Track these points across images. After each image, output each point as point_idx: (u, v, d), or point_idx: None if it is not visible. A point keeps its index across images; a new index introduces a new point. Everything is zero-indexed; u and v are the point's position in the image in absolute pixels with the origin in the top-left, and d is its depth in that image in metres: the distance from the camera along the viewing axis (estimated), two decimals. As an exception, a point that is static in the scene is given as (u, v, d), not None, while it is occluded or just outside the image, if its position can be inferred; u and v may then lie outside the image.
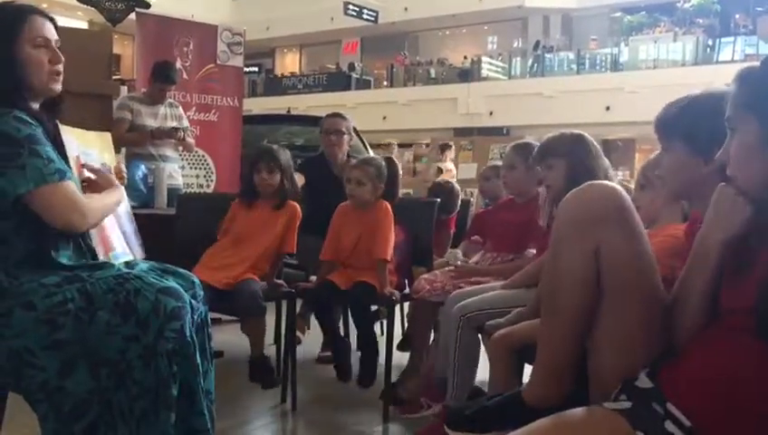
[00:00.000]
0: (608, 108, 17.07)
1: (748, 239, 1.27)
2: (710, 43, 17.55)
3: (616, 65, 18.96)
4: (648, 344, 1.39)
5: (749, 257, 1.24)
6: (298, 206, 3.11)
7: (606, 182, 1.50)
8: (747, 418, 1.12)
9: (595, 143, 2.47)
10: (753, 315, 1.18)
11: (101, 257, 1.97)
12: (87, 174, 2.01)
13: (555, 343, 1.48)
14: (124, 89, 5.28)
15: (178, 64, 5.39)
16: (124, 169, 2.27)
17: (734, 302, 1.26)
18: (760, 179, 1.23)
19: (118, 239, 2.12)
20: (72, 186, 1.80)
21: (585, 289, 1.41)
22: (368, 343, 2.94)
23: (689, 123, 1.52)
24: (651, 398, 1.25)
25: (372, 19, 21.38)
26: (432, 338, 3.22)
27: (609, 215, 1.40)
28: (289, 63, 27.27)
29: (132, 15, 5.98)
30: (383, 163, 3.09)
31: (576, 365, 1.48)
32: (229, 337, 3.59)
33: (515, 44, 22.37)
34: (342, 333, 3.43)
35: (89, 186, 1.99)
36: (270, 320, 3.41)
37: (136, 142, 4.56)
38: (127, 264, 1.96)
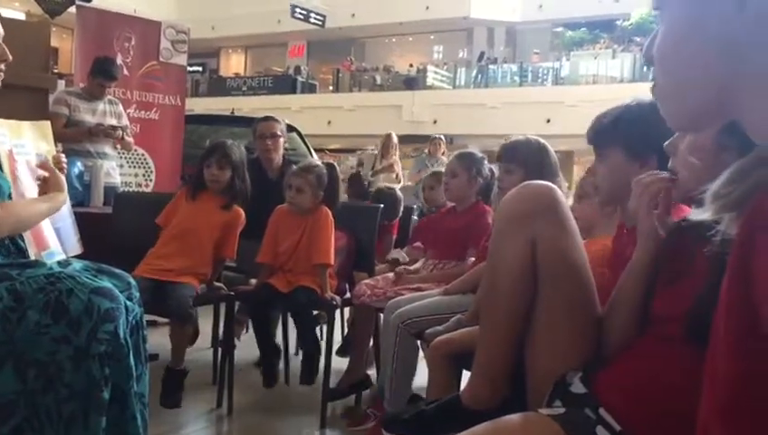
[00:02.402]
0: (548, 120, 17.46)
1: (681, 249, 1.31)
2: (647, 61, 18.16)
3: (557, 79, 19.43)
4: (580, 343, 1.43)
5: (682, 266, 1.29)
6: (243, 212, 3.07)
7: (541, 181, 1.55)
8: (677, 423, 1.15)
9: (555, 157, 2.53)
10: (683, 322, 1.22)
11: (33, 256, 1.90)
12: (41, 173, 1.95)
13: (495, 338, 1.51)
14: (61, 83, 5.12)
15: (119, 60, 5.27)
16: (64, 158, 2.20)
17: (666, 310, 1.30)
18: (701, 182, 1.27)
19: (52, 237, 2.06)
20: None
21: (522, 277, 1.46)
22: (310, 344, 2.92)
23: (625, 130, 1.59)
24: (584, 403, 1.28)
25: (319, 23, 21.35)
26: (371, 344, 3.22)
27: (544, 209, 1.47)
28: (234, 64, 26.99)
29: (72, 8, 5.83)
30: (323, 170, 3.08)
31: (513, 366, 1.50)
32: (165, 340, 3.51)
33: (460, 55, 22.69)
34: (282, 336, 3.40)
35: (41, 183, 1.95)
36: (207, 323, 3.36)
37: (73, 138, 4.44)
38: (60, 263, 1.90)
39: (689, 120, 0.72)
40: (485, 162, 3.02)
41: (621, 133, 1.60)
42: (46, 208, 1.90)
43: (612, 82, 18.02)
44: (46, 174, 1.96)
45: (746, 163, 0.58)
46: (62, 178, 2.02)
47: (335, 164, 3.32)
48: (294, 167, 3.17)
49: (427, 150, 8.51)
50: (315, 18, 21.22)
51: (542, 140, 2.57)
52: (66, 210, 2.20)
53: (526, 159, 2.48)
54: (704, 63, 0.65)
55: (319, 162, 3.30)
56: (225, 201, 3.04)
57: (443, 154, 8.54)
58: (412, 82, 20.97)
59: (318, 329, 3.82)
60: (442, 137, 8.47)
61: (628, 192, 1.61)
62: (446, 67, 21.85)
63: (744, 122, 0.65)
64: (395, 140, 7.97)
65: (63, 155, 2.21)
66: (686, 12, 0.68)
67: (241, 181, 3.07)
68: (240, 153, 3.11)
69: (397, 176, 7.71)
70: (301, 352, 3.54)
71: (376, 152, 8.43)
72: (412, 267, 3.08)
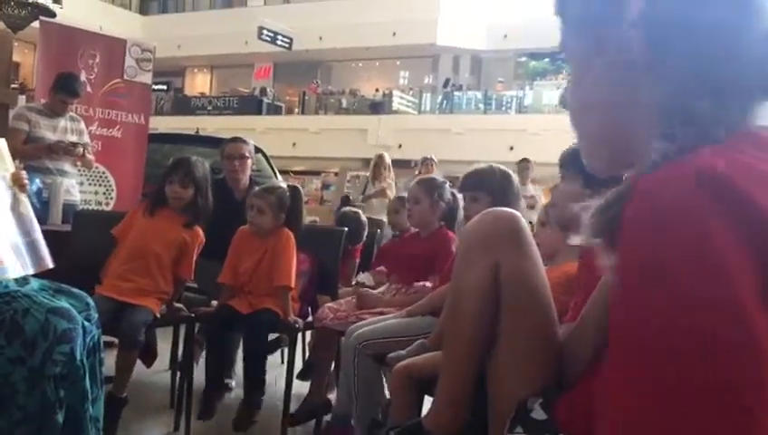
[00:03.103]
0: (511, 148, 17.68)
1: None
2: (607, 92, 18.61)
3: (520, 107, 19.74)
4: (541, 368, 1.44)
5: None
6: (201, 232, 3.04)
7: (504, 208, 1.58)
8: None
9: (518, 184, 2.59)
10: None
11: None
12: None
13: (457, 363, 1.51)
14: (22, 98, 5.04)
15: (83, 77, 5.21)
16: (25, 175, 2.16)
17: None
18: None
19: (7, 254, 2.01)
20: None
21: (484, 302, 1.47)
22: (256, 381, 2.78)
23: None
24: (545, 429, 1.28)
25: (286, 46, 21.40)
26: (333, 367, 3.20)
27: (507, 235, 1.49)
28: (199, 84, 26.85)
29: (35, 23, 5.75)
30: (285, 192, 3.07)
31: (475, 391, 1.51)
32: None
33: (426, 81, 22.91)
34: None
35: None
36: (166, 345, 3.31)
37: (32, 155, 4.35)
38: (17, 281, 1.86)
39: (605, 163, 0.74)
40: (447, 187, 3.05)
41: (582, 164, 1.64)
42: None
43: (574, 111, 18.36)
44: None
45: (612, 194, 0.60)
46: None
47: (299, 186, 3.32)
48: (256, 188, 3.16)
49: (417, 172, 7.46)
50: (282, 41, 21.27)
51: (504, 168, 2.61)
52: (30, 225, 2.16)
53: (492, 187, 2.52)
54: (605, 102, 0.68)
55: (282, 184, 3.29)
56: (186, 219, 3.00)
57: None
58: (378, 107, 21.10)
59: (279, 352, 3.80)
60: (434, 157, 7.52)
61: (576, 220, 1.64)
62: (411, 92, 22.05)
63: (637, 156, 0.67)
64: (388, 161, 6.98)
65: (25, 172, 2.17)
66: (583, 53, 0.71)
67: (204, 200, 3.02)
68: (204, 170, 3.07)
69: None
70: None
71: (367, 174, 7.23)
72: (375, 291, 3.08)
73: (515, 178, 2.60)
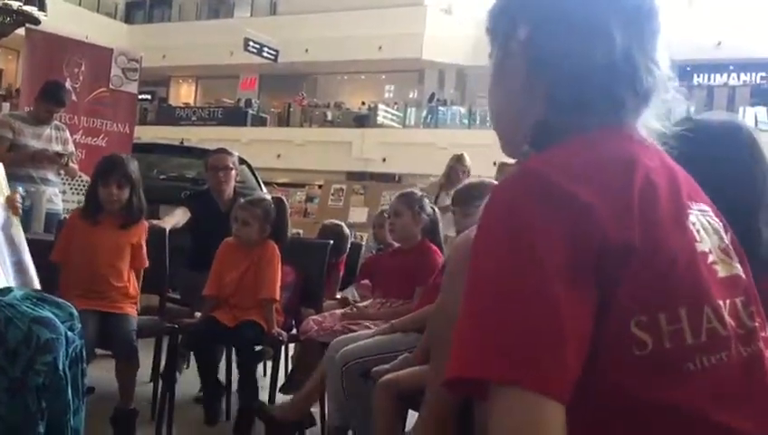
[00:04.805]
0: (495, 163, 17.76)
1: None
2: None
3: (505, 123, 19.86)
4: None
5: None
6: (145, 223, 2.97)
7: None
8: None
9: None
10: None
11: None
12: None
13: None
14: (6, 106, 5.01)
15: (68, 85, 5.18)
16: (19, 199, 2.15)
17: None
18: None
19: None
20: None
21: None
22: (248, 388, 2.86)
23: None
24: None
25: (272, 58, 21.40)
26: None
27: None
28: (184, 94, 26.77)
29: (20, 30, 5.73)
30: (271, 205, 3.07)
31: (462, 408, 1.51)
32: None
33: (411, 95, 23.00)
34: (225, 372, 3.34)
35: None
36: (147, 356, 3.28)
37: (15, 162, 4.32)
38: (0, 291, 1.85)
39: (505, 146, 0.90)
40: (426, 200, 3.07)
41: None
42: None
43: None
44: None
45: None
46: None
47: (284, 198, 3.32)
48: (241, 199, 3.16)
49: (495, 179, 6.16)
50: (268, 52, 21.27)
51: (496, 183, 2.63)
52: (22, 247, 2.15)
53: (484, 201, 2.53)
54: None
55: (267, 196, 3.30)
56: (123, 221, 2.87)
57: None
58: (363, 120, 21.13)
59: (262, 364, 3.78)
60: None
61: None
62: (396, 106, 22.11)
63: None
64: (468, 163, 5.79)
65: (19, 197, 2.16)
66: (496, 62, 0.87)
67: (138, 198, 2.89)
68: (136, 168, 2.95)
69: None
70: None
71: (437, 181, 6.00)
72: (362, 304, 3.08)
73: None
